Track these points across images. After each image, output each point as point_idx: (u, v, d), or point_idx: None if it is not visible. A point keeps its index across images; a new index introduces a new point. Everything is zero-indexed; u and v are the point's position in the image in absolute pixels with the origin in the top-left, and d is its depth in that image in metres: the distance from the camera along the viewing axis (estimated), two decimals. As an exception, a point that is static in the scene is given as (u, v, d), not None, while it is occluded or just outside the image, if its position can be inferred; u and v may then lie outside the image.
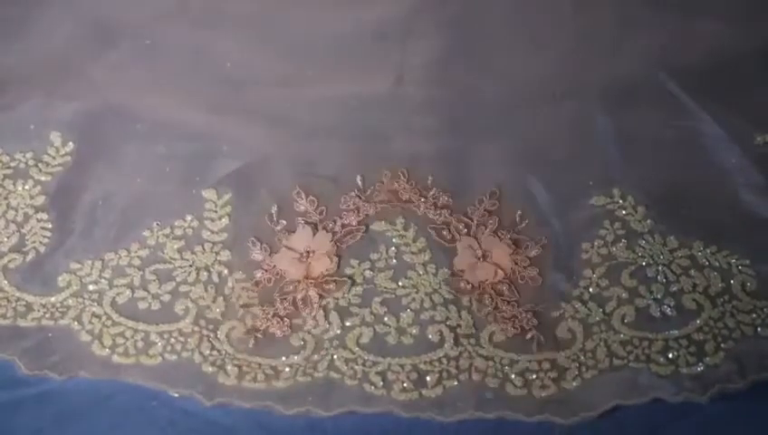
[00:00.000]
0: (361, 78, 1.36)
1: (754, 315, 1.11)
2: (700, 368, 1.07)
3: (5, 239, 1.21)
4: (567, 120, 1.32)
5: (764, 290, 1.13)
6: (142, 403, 1.09)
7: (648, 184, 1.24)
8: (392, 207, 1.22)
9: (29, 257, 1.19)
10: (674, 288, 1.13)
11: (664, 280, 1.14)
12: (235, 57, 1.39)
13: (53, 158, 1.29)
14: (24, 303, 1.15)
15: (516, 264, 1.17)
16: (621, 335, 1.10)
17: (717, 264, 1.15)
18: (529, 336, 1.10)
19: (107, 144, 1.30)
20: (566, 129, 1.31)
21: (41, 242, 1.20)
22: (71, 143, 1.30)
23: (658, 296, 1.13)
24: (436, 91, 1.35)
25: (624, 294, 1.13)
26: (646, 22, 1.39)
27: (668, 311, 1.12)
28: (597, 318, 1.11)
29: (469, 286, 1.15)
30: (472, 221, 1.21)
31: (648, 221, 1.19)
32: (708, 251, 1.17)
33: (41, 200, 1.24)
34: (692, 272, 1.15)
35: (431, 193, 1.23)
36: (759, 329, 1.09)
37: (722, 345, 1.08)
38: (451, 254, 1.18)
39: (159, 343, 1.11)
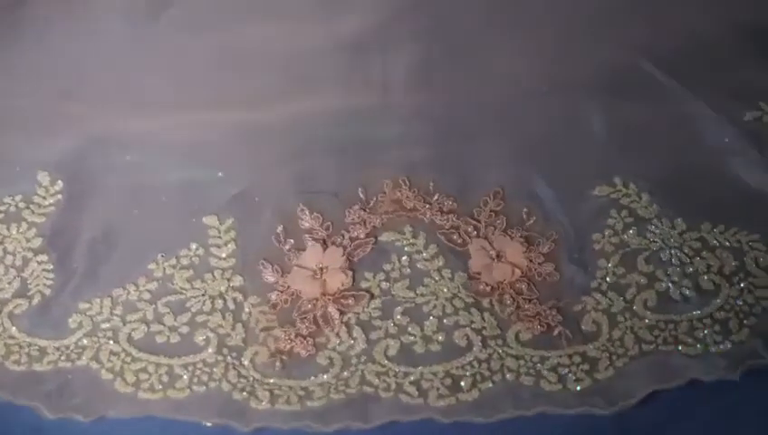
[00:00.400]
0: (348, 90, 1.36)
1: (772, 290, 1.13)
2: (728, 345, 1.08)
3: (7, 286, 1.17)
4: (559, 113, 1.33)
5: (779, 264, 1.15)
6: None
7: (647, 170, 1.25)
8: (398, 217, 1.22)
9: (35, 301, 1.15)
10: (689, 270, 1.15)
11: (678, 263, 1.15)
12: (221, 80, 1.37)
13: (44, 198, 1.25)
14: (38, 347, 1.11)
15: (531, 261, 1.17)
16: (646, 321, 1.11)
17: (728, 243, 1.17)
18: (556, 333, 1.10)
19: (97, 178, 1.28)
20: (559, 122, 1.32)
21: (45, 284, 1.17)
22: (60, 182, 1.27)
23: (675, 279, 1.14)
24: (423, 96, 1.35)
25: (642, 280, 1.14)
26: (625, 9, 1.40)
27: (687, 293, 1.13)
28: (620, 307, 1.12)
29: (488, 288, 1.15)
30: (480, 223, 1.21)
31: (654, 206, 1.21)
32: (717, 231, 1.18)
33: (38, 242, 1.21)
34: (704, 253, 1.16)
35: (435, 199, 1.23)
36: (779, 303, 1.12)
37: (744, 322, 1.09)
38: (464, 257, 1.18)
39: (185, 376, 1.08)
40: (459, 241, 1.19)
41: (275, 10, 1.40)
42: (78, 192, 1.26)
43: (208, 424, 1.05)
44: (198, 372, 1.09)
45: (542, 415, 1.05)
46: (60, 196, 1.26)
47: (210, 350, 1.11)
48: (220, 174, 1.28)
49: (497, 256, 1.17)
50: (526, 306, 1.13)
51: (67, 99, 1.35)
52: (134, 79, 1.38)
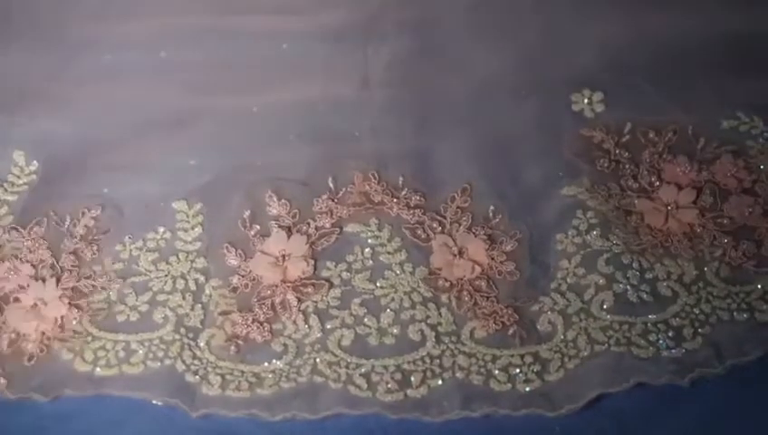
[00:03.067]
0: (327, 81, 1.36)
1: (729, 301, 1.12)
2: (680, 352, 1.08)
3: (-27, 261, 1.19)
4: (533, 113, 1.33)
5: (738, 276, 1.15)
6: (144, 401, 1.08)
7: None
8: (365, 209, 1.22)
9: (1, 278, 1.18)
10: (649, 275, 1.15)
11: (638, 267, 1.15)
12: (198, 68, 1.38)
13: (18, 177, 1.27)
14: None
15: (493, 259, 1.17)
16: (601, 321, 1.11)
17: (691, 252, 1.17)
18: (510, 332, 1.11)
19: (72, 160, 1.29)
20: (532, 122, 1.32)
21: (13, 263, 1.19)
22: (35, 162, 1.28)
23: (635, 282, 1.14)
24: (401, 91, 1.35)
25: (601, 281, 1.14)
26: (605, 16, 1.40)
27: (645, 296, 1.13)
28: (576, 307, 1.13)
29: (447, 284, 1.15)
30: (446, 219, 1.21)
31: (621, 211, 1.21)
32: (681, 239, 1.19)
33: (8, 220, 1.22)
34: (665, 261, 1.16)
35: (403, 193, 1.23)
36: (735, 314, 1.11)
37: (699, 331, 1.10)
38: (427, 252, 1.18)
39: (141, 351, 1.10)
40: (423, 236, 1.20)
41: (259, 1, 1.41)
42: (52, 172, 1.27)
43: (159, 403, 1.07)
44: (154, 348, 1.11)
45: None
46: (34, 176, 1.27)
47: (168, 328, 1.12)
48: (192, 162, 1.29)
49: (459, 252, 1.17)
50: (483, 304, 1.13)
51: (49, 81, 1.37)
52: (115, 68, 1.39)
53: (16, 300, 1.16)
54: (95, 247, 1.20)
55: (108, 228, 1.23)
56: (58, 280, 1.17)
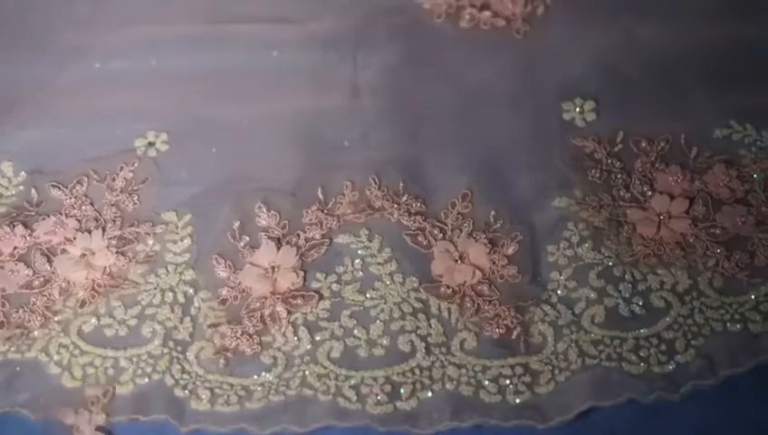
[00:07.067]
0: (317, 90, 1.36)
1: (723, 311, 1.12)
2: (671, 366, 1.08)
3: (-37, 274, 1.18)
4: (524, 123, 1.32)
5: (732, 286, 1.14)
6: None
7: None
8: (356, 219, 1.21)
9: (-11, 291, 1.17)
10: (641, 287, 1.14)
11: (631, 279, 1.14)
12: (187, 78, 1.37)
13: (7, 188, 1.26)
14: (-13, 339, 1.13)
15: (494, 263, 1.16)
16: (592, 335, 1.11)
17: (684, 261, 1.16)
18: (515, 335, 1.10)
19: (60, 172, 1.27)
20: (524, 132, 1.31)
21: (1, 275, 1.18)
22: (23, 173, 1.27)
23: (627, 295, 1.13)
24: (392, 100, 1.35)
25: (593, 295, 1.14)
26: (598, 22, 1.40)
27: (637, 310, 1.12)
28: (567, 320, 1.12)
29: (449, 291, 1.15)
30: (446, 225, 1.21)
31: (613, 222, 1.20)
32: (674, 249, 1.18)
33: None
34: (659, 270, 1.15)
35: (404, 199, 1.23)
36: (728, 324, 1.11)
37: (692, 342, 1.09)
38: (428, 259, 1.17)
39: (130, 369, 1.10)
40: (425, 243, 1.19)
41: (250, 10, 1.42)
42: (40, 184, 1.26)
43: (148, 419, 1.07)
44: (143, 364, 1.10)
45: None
46: (22, 187, 1.26)
47: (156, 342, 1.12)
48: (183, 174, 1.28)
49: (460, 257, 1.17)
50: (486, 308, 1.12)
51: (38, 91, 1.36)
52: (104, 77, 1.39)
53: (64, 251, 1.19)
54: (135, 197, 1.24)
55: (146, 178, 1.26)
56: (103, 231, 1.20)
